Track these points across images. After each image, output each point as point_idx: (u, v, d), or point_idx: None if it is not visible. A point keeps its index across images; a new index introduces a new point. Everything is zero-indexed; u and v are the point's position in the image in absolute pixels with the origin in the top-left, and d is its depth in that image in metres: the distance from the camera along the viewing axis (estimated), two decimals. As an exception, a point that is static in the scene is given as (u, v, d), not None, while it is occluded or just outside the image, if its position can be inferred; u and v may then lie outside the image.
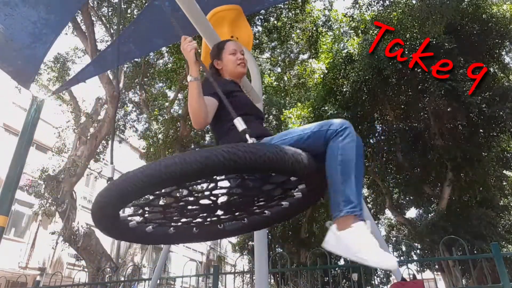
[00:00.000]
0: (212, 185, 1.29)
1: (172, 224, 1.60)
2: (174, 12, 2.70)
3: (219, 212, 1.54)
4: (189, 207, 1.44)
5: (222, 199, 1.43)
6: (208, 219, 1.59)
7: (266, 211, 1.70)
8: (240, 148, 1.09)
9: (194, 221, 1.57)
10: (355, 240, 1.21)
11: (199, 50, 1.45)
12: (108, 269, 8.31)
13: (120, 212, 1.34)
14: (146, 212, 1.45)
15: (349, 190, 1.29)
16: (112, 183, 1.19)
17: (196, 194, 1.35)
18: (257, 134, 1.46)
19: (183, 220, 1.55)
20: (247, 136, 1.26)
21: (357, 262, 1.22)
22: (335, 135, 1.36)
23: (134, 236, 1.58)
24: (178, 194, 1.37)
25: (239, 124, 1.30)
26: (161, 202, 1.42)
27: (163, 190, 1.22)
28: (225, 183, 1.34)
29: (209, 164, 1.05)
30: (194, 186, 1.31)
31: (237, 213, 1.62)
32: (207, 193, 1.34)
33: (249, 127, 1.33)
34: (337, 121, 1.40)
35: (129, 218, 1.45)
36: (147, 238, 1.60)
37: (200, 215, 1.53)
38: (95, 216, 1.29)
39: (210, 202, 1.41)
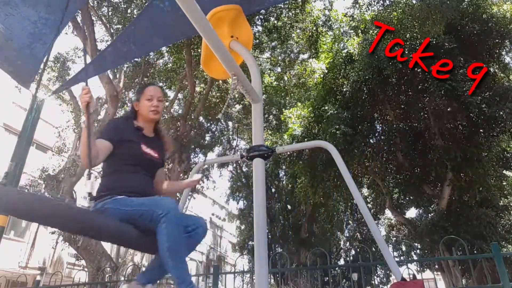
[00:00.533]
0: None
1: None
2: (174, 12, 2.70)
3: None
4: None
5: None
6: None
7: None
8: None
9: None
10: None
11: (94, 100, 1.64)
12: (108, 269, 8.31)
13: None
14: None
15: (180, 271, 1.59)
16: None
17: None
18: (132, 189, 1.78)
19: None
20: (88, 199, 1.64)
21: None
22: (159, 220, 1.57)
23: None
24: None
25: (89, 186, 1.64)
26: None
27: None
28: None
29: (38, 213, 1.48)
30: None
31: None
32: None
33: (126, 179, 1.79)
34: (163, 205, 1.60)
35: None
36: None
37: None
38: None
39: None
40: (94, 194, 1.73)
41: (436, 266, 12.48)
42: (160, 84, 13.88)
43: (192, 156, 14.11)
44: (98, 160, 1.72)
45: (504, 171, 12.34)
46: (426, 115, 11.37)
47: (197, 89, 12.76)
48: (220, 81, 12.58)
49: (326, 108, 10.47)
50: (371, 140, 12.42)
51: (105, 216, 1.67)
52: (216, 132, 16.24)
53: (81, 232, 1.75)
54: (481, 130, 10.22)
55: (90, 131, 1.61)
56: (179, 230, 1.63)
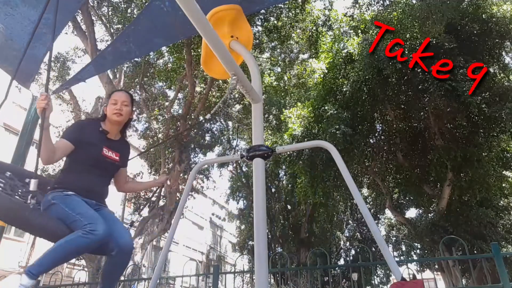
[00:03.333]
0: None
1: None
2: (174, 12, 2.70)
3: None
4: None
5: None
6: None
7: None
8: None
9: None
10: None
11: (51, 106, 1.75)
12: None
13: None
14: None
15: (47, 258, 1.71)
16: None
17: None
18: (83, 188, 1.97)
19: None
20: (29, 197, 1.75)
21: None
22: (82, 229, 1.71)
23: None
24: None
25: (32, 186, 1.76)
26: None
27: None
28: None
29: None
30: None
31: None
32: None
33: (79, 177, 1.98)
34: (98, 225, 1.75)
35: None
36: None
37: None
38: None
39: None
40: (36, 192, 1.83)
41: (436, 266, 12.48)
42: (160, 83, 13.90)
43: (192, 156, 14.12)
44: (55, 157, 1.89)
45: (504, 171, 12.33)
46: (426, 115, 11.36)
47: (197, 89, 12.76)
48: (220, 81, 12.58)
49: (326, 108, 10.46)
50: (371, 140, 12.41)
51: (46, 215, 1.83)
52: (216, 132, 16.24)
53: (19, 226, 1.87)
54: (481, 130, 10.21)
55: (44, 134, 1.77)
56: (81, 246, 1.72)
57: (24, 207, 1.74)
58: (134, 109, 2.32)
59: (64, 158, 2.07)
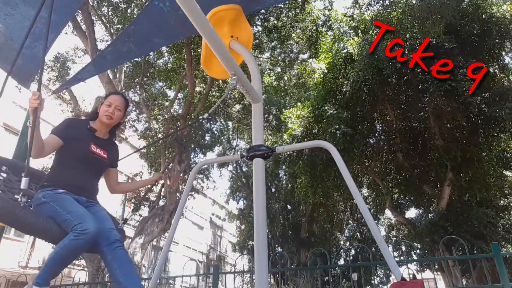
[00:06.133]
0: None
1: None
2: (174, 12, 2.70)
3: None
4: None
5: None
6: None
7: None
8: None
9: None
10: None
11: (43, 105, 1.77)
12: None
13: None
14: None
15: (47, 270, 1.76)
16: None
17: None
18: (72, 183, 1.99)
19: None
20: (20, 195, 1.76)
21: None
22: (74, 230, 1.72)
23: None
24: None
25: (23, 184, 1.75)
26: None
27: None
28: None
29: None
30: None
31: None
32: None
33: (68, 174, 2.01)
34: (89, 223, 1.76)
35: None
36: None
37: None
38: None
39: None
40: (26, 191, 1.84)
41: (436, 266, 12.48)
42: (160, 83, 13.90)
43: (192, 156, 14.11)
44: (44, 152, 1.92)
45: (504, 171, 12.33)
46: (426, 115, 11.36)
47: (197, 89, 12.76)
48: (220, 81, 12.58)
49: (326, 108, 10.47)
50: (371, 140, 12.42)
51: (33, 212, 1.84)
52: (216, 132, 16.24)
53: (11, 224, 1.87)
54: (481, 130, 10.21)
55: (34, 132, 1.78)
56: (78, 248, 1.75)
57: (15, 205, 1.75)
58: (127, 112, 2.37)
59: (53, 155, 2.11)
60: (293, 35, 12.99)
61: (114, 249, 1.87)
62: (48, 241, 1.98)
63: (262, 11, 11.29)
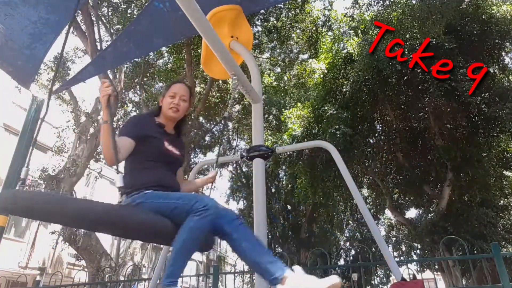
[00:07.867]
0: None
1: None
2: (174, 12, 2.70)
3: None
4: None
5: None
6: None
7: None
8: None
9: None
10: None
11: (115, 93, 1.57)
12: (108, 269, 8.31)
13: None
14: None
15: (176, 265, 1.52)
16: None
17: None
18: (157, 183, 1.75)
19: None
20: (119, 193, 1.63)
21: None
22: (196, 213, 1.52)
23: None
24: None
25: (118, 180, 1.62)
26: None
27: None
28: None
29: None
30: None
31: None
32: None
33: (151, 174, 1.76)
34: (205, 200, 1.56)
35: None
36: None
37: None
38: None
39: None
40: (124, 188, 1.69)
41: (436, 266, 12.47)
42: (160, 84, 13.89)
43: (192, 156, 14.12)
44: (121, 156, 1.69)
45: (504, 171, 12.34)
46: (426, 115, 11.36)
47: (197, 89, 12.77)
48: (220, 81, 12.58)
49: (326, 108, 10.46)
50: (371, 140, 12.41)
51: (136, 209, 1.63)
52: (216, 132, 16.24)
53: (112, 229, 1.69)
54: (481, 130, 10.22)
55: (112, 126, 1.59)
56: (205, 228, 1.55)
57: (115, 206, 1.61)
58: (193, 103, 2.19)
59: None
60: (293, 35, 12.99)
61: (237, 226, 1.64)
62: (160, 240, 1.79)
63: (262, 11, 11.30)
